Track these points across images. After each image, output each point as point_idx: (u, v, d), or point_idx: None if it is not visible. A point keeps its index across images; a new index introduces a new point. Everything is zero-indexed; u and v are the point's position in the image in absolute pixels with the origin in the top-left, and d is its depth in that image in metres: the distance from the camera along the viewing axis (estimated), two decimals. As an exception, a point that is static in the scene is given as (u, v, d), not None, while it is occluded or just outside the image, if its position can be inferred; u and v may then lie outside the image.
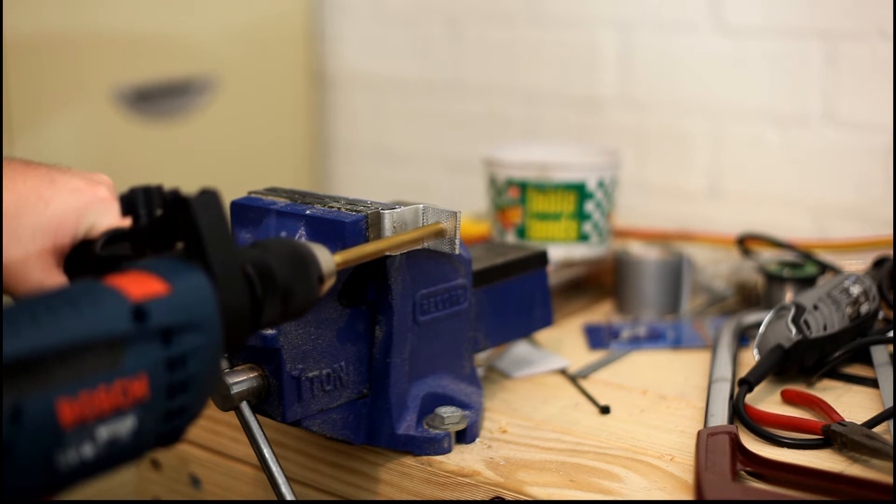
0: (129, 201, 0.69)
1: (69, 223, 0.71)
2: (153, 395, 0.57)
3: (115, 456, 0.57)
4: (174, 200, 0.64)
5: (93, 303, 0.57)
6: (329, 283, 0.71)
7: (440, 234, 0.83)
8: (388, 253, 0.81)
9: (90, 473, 0.56)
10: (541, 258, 1.02)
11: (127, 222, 0.71)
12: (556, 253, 1.23)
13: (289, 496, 0.77)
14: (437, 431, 0.87)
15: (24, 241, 0.70)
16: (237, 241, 0.85)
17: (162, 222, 0.66)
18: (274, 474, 0.78)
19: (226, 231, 0.63)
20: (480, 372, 0.99)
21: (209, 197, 0.63)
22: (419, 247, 0.83)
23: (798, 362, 0.97)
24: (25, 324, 0.54)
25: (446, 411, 0.88)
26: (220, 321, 0.61)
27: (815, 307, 0.98)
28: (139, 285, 0.59)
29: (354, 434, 0.87)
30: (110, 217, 0.73)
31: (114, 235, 0.72)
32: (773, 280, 1.17)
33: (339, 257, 0.74)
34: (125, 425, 0.56)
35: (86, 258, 0.72)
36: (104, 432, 0.55)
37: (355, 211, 0.82)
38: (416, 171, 1.83)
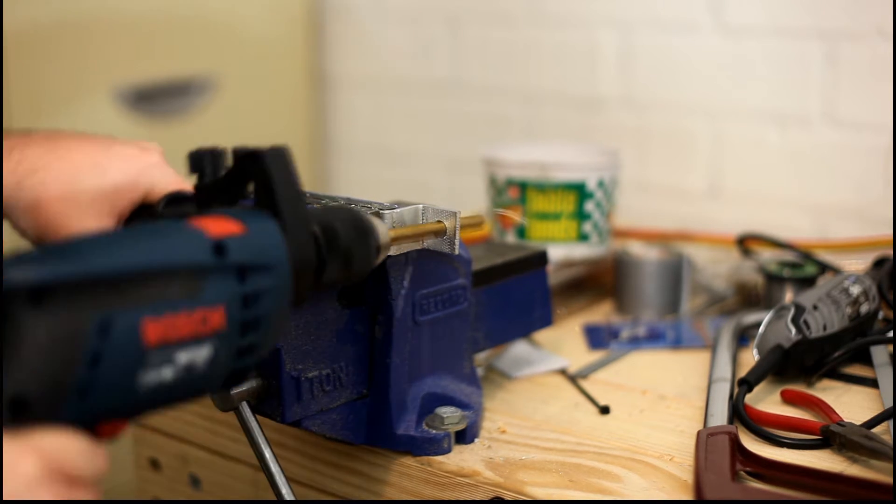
0: (197, 160, 0.72)
1: (126, 188, 0.74)
2: (229, 328, 0.60)
3: (191, 383, 0.59)
4: (245, 155, 0.67)
5: (176, 235, 0.60)
6: (383, 255, 0.75)
7: (479, 223, 0.88)
8: (427, 241, 0.83)
9: (167, 399, 0.59)
10: (541, 258, 1.02)
11: (183, 186, 0.74)
12: (556, 253, 1.23)
13: (289, 496, 0.77)
14: (436, 432, 0.87)
15: (84, 208, 0.73)
16: None
17: (226, 181, 0.69)
18: (274, 474, 0.78)
19: (297, 185, 0.66)
20: (480, 372, 0.99)
21: (281, 151, 0.66)
22: (461, 238, 0.86)
23: (798, 362, 0.97)
24: (113, 245, 0.56)
25: (446, 411, 0.88)
26: (289, 267, 0.64)
27: (815, 307, 0.98)
28: (217, 225, 0.61)
29: (354, 434, 0.87)
30: (167, 180, 0.76)
31: (175, 196, 0.75)
32: (773, 280, 1.17)
33: (395, 232, 0.78)
34: (202, 353, 0.59)
35: (146, 220, 0.74)
36: (183, 357, 0.58)
37: (355, 211, 0.82)
38: (416, 171, 1.83)
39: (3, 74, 1.40)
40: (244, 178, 0.68)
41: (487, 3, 1.68)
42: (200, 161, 0.73)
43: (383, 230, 0.74)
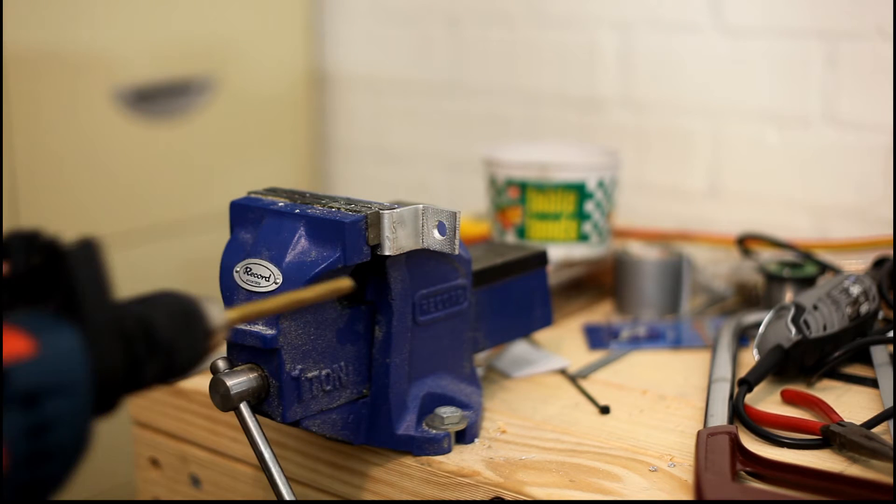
0: (5, 246, 0.64)
1: None
2: (13, 466, 0.52)
3: None
4: (51, 251, 0.59)
5: None
6: (218, 338, 0.67)
7: (343, 289, 0.78)
8: (286, 311, 0.78)
9: None
10: (541, 258, 1.02)
11: None
12: (556, 253, 1.23)
13: (289, 496, 0.77)
14: (436, 431, 0.87)
15: None
16: (234, 241, 0.84)
17: (40, 272, 0.61)
18: (274, 474, 0.78)
19: (105, 285, 0.59)
20: (480, 372, 0.99)
21: (88, 248, 0.59)
22: (321, 301, 0.80)
23: (798, 362, 0.97)
24: None
25: (446, 411, 0.88)
26: (90, 384, 0.56)
27: (815, 307, 0.98)
28: (3, 345, 0.54)
29: (354, 434, 0.87)
30: None
31: None
32: (773, 280, 1.17)
33: (235, 313, 0.70)
34: None
35: None
36: None
37: (355, 211, 0.82)
38: (416, 171, 1.83)
39: (2, 79, 1.40)
40: (53, 273, 0.60)
41: (487, 3, 1.68)
42: (9, 248, 0.63)
43: (216, 312, 0.66)
